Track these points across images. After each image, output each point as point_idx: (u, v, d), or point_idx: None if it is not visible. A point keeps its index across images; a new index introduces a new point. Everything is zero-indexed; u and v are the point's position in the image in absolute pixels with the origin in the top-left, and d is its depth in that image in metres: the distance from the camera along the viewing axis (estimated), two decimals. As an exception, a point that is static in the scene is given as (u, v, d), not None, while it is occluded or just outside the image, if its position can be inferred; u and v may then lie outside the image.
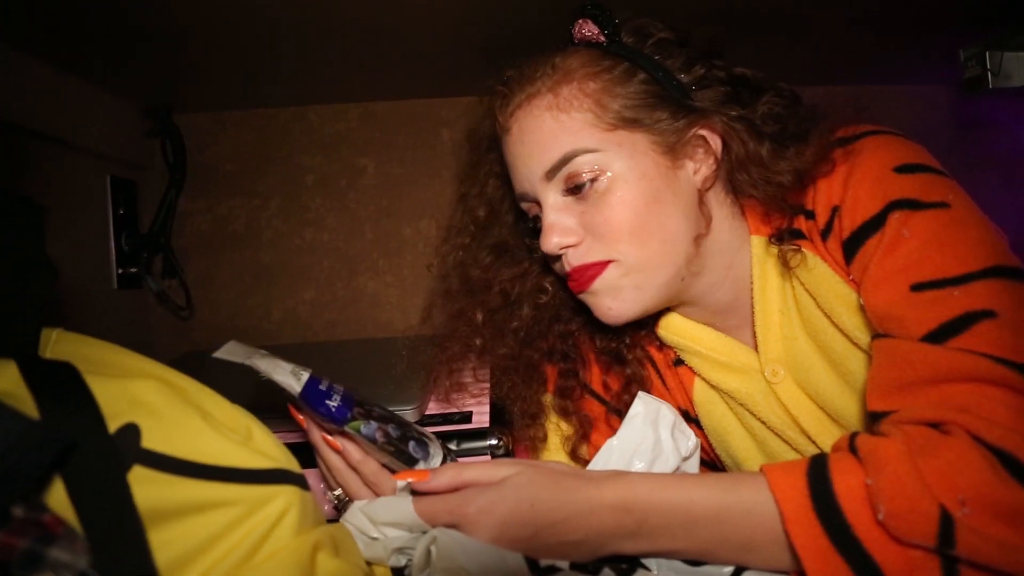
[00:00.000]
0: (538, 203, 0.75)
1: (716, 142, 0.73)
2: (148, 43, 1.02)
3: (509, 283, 0.85)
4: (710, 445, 0.85)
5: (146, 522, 0.46)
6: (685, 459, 0.69)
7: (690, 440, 0.70)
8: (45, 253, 0.63)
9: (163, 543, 0.46)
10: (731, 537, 0.56)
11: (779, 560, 0.55)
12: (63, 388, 0.50)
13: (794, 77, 1.39)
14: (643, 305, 0.73)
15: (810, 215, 0.72)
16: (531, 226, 0.80)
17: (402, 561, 0.64)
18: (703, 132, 0.72)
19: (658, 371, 0.86)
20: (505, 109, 0.75)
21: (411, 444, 0.71)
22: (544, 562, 0.56)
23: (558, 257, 0.75)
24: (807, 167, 0.69)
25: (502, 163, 0.80)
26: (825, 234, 0.70)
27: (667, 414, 0.69)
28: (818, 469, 0.54)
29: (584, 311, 0.81)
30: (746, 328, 0.79)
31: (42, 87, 1.04)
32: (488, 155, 0.86)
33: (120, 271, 1.26)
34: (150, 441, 0.49)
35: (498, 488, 0.59)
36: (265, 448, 0.55)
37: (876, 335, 0.63)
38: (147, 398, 0.52)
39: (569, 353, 0.86)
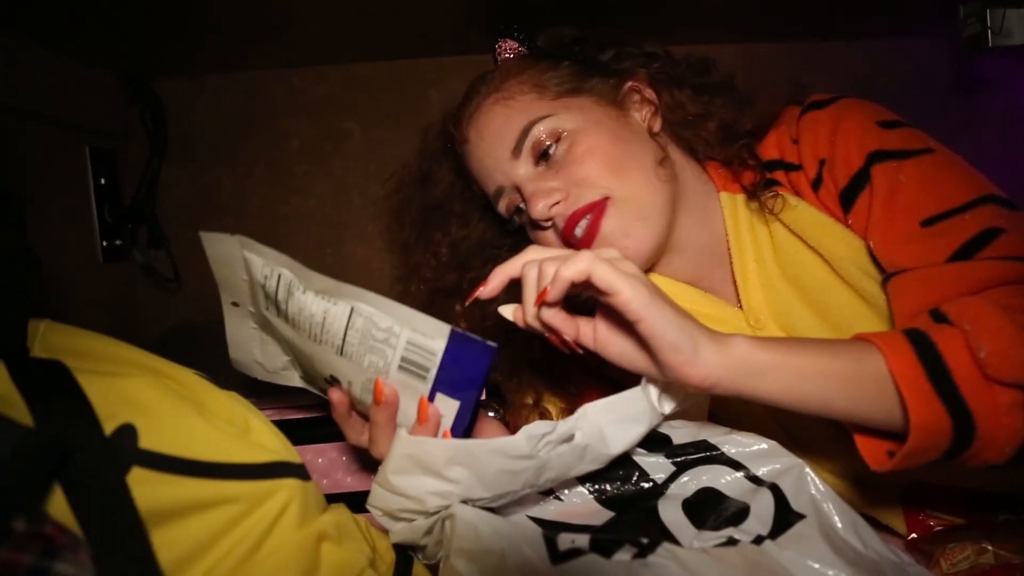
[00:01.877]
0: (515, 188, 0.79)
1: (648, 92, 0.82)
2: (119, 7, 0.98)
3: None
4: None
5: (147, 523, 0.46)
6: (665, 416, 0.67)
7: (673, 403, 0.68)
8: (28, 245, 0.61)
9: (165, 543, 0.46)
10: (839, 371, 0.57)
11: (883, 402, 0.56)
12: (55, 391, 0.49)
13: (794, 33, 1.35)
14: (654, 237, 0.76)
15: (793, 167, 0.76)
16: (517, 221, 0.84)
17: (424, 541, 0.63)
18: (633, 84, 0.82)
19: None
20: (460, 124, 0.84)
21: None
22: (563, 546, 0.56)
23: (550, 229, 0.78)
24: (737, 121, 0.79)
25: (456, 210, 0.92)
26: (816, 185, 0.74)
27: None
28: (912, 330, 0.57)
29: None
30: (727, 284, 0.82)
31: (11, 59, 1.00)
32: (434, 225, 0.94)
33: (104, 244, 1.24)
34: (147, 441, 0.49)
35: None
36: (263, 440, 0.55)
37: (891, 274, 0.67)
38: (141, 396, 0.51)
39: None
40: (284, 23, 1.11)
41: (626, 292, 0.54)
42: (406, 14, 1.10)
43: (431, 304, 0.92)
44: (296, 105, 1.38)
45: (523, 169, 0.78)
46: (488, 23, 1.03)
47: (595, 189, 0.74)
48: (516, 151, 0.77)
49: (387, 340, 0.59)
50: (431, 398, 0.60)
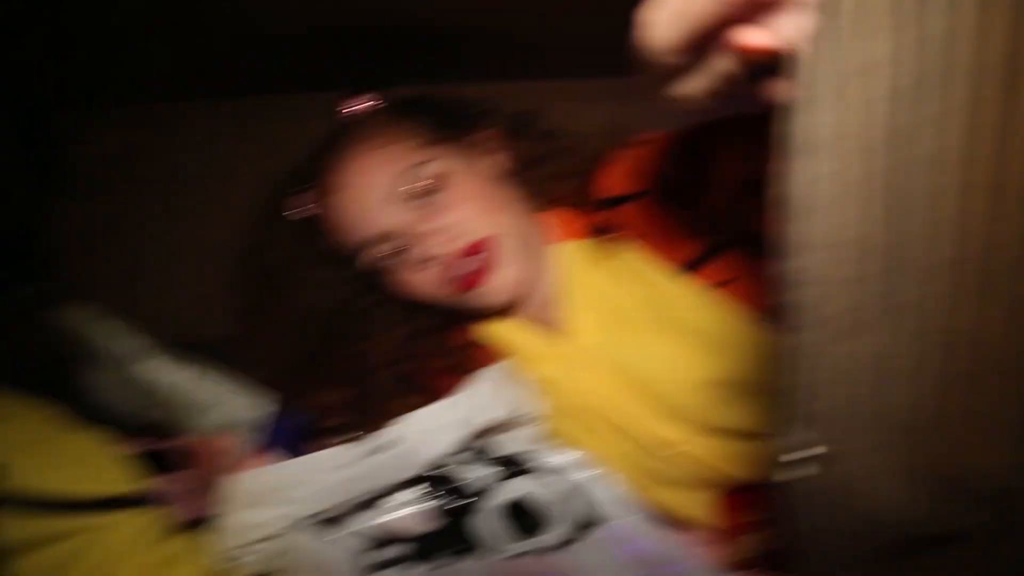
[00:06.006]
0: (391, 234, 0.83)
1: (494, 141, 0.91)
2: (10, 43, 1.00)
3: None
4: None
5: (9, 554, 0.53)
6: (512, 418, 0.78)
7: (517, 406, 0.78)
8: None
9: (25, 571, 0.54)
10: None
11: None
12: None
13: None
14: (535, 269, 0.85)
15: (641, 195, 0.84)
16: (384, 267, 0.87)
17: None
18: (483, 133, 0.90)
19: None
20: (325, 172, 0.87)
21: None
22: (380, 558, 0.65)
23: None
24: (572, 160, 0.89)
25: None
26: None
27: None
28: None
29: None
30: (561, 322, 0.89)
31: None
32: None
33: (-7, 276, 1.26)
34: (16, 479, 0.56)
35: None
36: (117, 474, 0.63)
37: None
38: (13, 438, 0.58)
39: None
40: (171, 58, 1.16)
41: None
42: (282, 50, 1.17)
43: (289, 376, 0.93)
44: (188, 137, 1.43)
45: (403, 213, 0.82)
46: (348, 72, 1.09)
47: (478, 228, 0.81)
48: (395, 196, 0.81)
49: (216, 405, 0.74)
50: (257, 449, 0.74)
